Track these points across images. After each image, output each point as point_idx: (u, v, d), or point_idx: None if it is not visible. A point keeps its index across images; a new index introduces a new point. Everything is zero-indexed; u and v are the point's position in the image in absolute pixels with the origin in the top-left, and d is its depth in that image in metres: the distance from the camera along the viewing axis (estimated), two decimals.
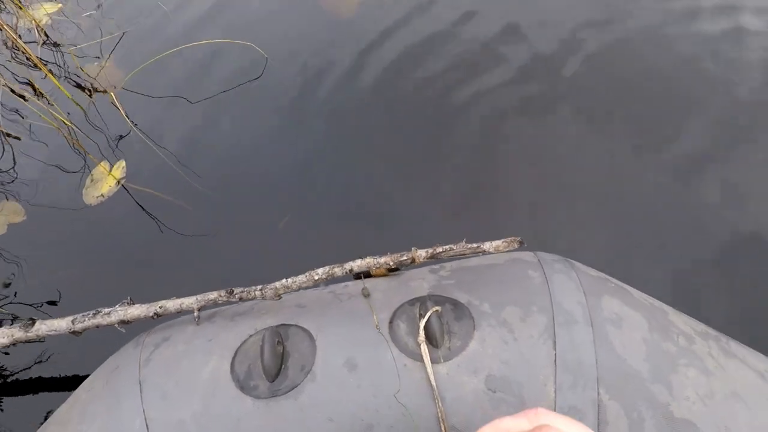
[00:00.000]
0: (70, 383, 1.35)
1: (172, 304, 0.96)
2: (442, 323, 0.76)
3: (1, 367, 1.36)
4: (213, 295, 0.94)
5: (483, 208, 1.52)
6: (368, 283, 0.89)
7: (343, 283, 0.94)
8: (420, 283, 0.86)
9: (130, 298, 0.99)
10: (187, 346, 0.87)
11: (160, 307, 0.96)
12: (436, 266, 0.92)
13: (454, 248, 0.85)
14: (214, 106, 1.82)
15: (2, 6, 2.27)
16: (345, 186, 1.61)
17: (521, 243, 0.83)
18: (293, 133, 1.73)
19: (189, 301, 0.96)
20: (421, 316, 0.77)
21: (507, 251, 0.83)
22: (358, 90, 1.81)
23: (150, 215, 1.58)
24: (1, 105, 1.89)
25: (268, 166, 1.66)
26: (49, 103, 1.83)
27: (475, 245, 0.84)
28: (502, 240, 0.84)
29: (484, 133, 1.67)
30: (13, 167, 1.77)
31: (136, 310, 0.97)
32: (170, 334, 0.91)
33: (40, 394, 1.35)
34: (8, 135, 1.82)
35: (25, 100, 1.84)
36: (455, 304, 0.80)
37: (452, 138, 1.67)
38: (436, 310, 0.77)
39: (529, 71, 1.80)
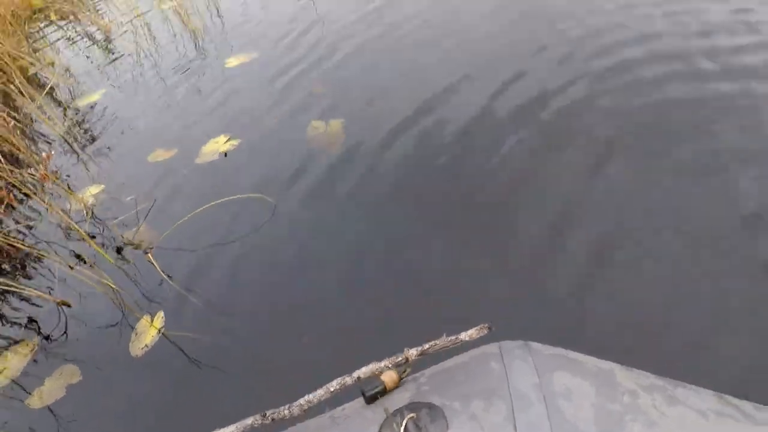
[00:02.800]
0: None
1: None
2: (420, 427, 0.89)
3: None
4: (249, 421, 1.11)
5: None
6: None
7: (341, 407, 1.05)
8: (403, 394, 0.98)
9: None
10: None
11: None
12: (418, 374, 1.05)
13: (438, 342, 1.03)
14: (234, 250, 2.11)
15: (54, 193, 2.73)
16: (353, 308, 1.82)
17: (490, 329, 1.01)
18: (303, 266, 1.98)
19: (229, 431, 1.12)
20: (398, 425, 0.91)
21: (479, 337, 1.01)
22: (357, 224, 2.10)
23: (189, 358, 1.78)
24: (57, 279, 2.22)
25: (286, 296, 1.89)
26: (91, 267, 2.15)
27: (453, 337, 1.03)
28: (474, 329, 1.02)
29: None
30: (65, 332, 2.02)
31: None
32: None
33: None
34: (62, 303, 2.11)
35: (71, 268, 2.15)
36: (431, 407, 0.92)
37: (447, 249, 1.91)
38: (411, 417, 0.90)
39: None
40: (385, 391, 1.06)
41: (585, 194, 1.95)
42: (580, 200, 1.93)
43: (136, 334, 1.89)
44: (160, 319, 1.91)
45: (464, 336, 1.03)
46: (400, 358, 1.05)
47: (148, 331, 1.88)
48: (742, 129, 2.06)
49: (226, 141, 2.73)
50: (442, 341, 1.04)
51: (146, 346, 1.83)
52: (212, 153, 2.68)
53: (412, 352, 1.05)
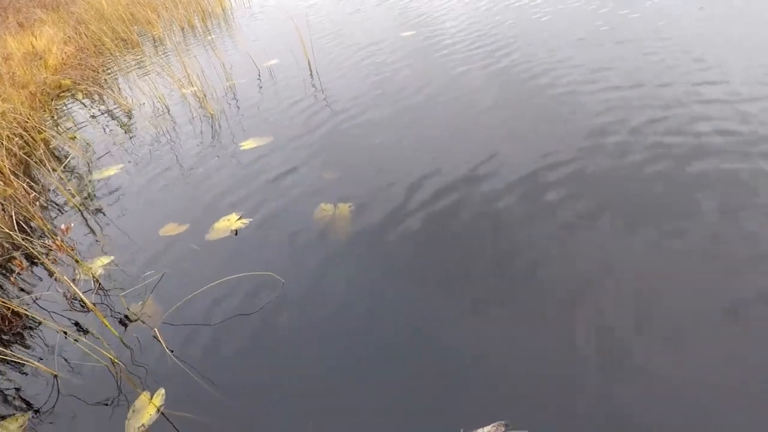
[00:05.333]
0: None
1: None
2: None
3: None
4: None
5: None
6: None
7: None
8: None
9: None
10: None
11: None
12: None
13: None
14: (242, 329, 2.13)
15: (64, 262, 2.78)
16: (362, 393, 1.82)
17: (506, 426, 1.04)
18: (311, 347, 2.01)
19: None
20: None
21: None
22: (364, 304, 2.16)
23: None
24: (57, 349, 2.21)
25: (292, 379, 1.89)
26: (94, 339, 2.15)
27: None
28: (491, 426, 1.05)
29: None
30: (61, 406, 1.98)
31: None
32: None
33: None
34: (58, 376, 2.08)
35: (75, 341, 2.15)
36: None
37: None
38: None
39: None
40: None
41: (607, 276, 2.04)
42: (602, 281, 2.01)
43: (134, 411, 1.86)
44: (160, 396, 1.89)
45: None
46: None
47: (147, 409, 1.85)
48: None
49: (238, 219, 2.85)
50: None
51: (143, 425, 1.79)
52: (223, 230, 2.79)
53: None
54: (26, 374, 2.15)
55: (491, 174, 2.79)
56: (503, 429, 1.00)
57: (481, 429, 1.02)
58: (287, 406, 1.79)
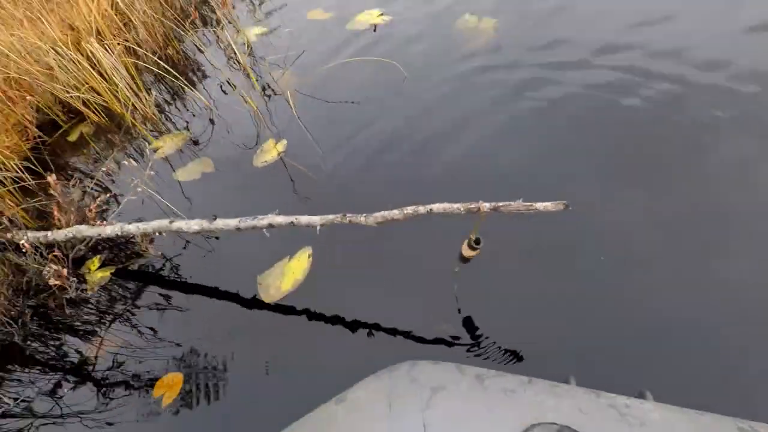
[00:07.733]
0: None
1: (304, 219, 1.36)
2: None
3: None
4: (331, 217, 1.32)
5: None
6: None
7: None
8: None
9: (277, 211, 1.41)
10: (467, 407, 0.85)
11: (296, 219, 1.36)
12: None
13: (512, 204, 1.11)
14: (358, 112, 2.29)
15: (230, 23, 3.10)
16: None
17: (567, 206, 1.05)
18: (418, 139, 2.11)
19: (315, 219, 1.34)
20: None
21: (555, 210, 1.06)
22: (486, 116, 2.14)
23: (295, 182, 2.06)
24: (219, 83, 2.61)
25: (398, 170, 2.02)
26: (243, 90, 2.49)
27: (528, 204, 1.09)
28: (552, 202, 1.07)
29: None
30: (210, 133, 2.41)
31: (280, 219, 1.38)
32: (443, 382, 0.90)
33: None
34: (211, 109, 2.50)
35: (232, 87, 2.51)
36: None
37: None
38: None
39: None
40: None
41: None
42: None
43: (262, 150, 2.21)
44: (282, 145, 2.20)
45: (540, 206, 1.09)
46: (472, 206, 1.15)
47: (271, 151, 2.18)
48: None
49: (379, 15, 2.83)
50: (517, 204, 1.11)
51: (266, 161, 2.14)
52: (364, 23, 2.81)
53: (486, 205, 1.14)
54: (189, 101, 2.61)
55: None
56: (562, 207, 1.04)
57: (541, 203, 1.06)
58: (385, 193, 1.95)
